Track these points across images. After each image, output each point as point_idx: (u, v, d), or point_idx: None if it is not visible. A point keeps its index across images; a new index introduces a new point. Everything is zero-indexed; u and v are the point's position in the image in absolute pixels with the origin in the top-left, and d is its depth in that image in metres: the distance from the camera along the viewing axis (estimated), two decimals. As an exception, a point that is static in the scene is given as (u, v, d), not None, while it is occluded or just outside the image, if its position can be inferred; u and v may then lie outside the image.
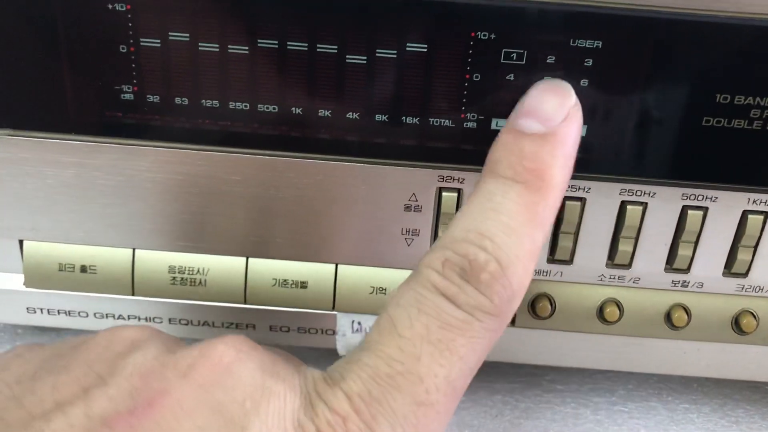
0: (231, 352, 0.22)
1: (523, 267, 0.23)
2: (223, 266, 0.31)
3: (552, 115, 0.24)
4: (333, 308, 0.32)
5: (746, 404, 0.35)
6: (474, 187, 0.24)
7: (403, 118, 0.28)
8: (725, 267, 0.30)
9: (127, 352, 0.23)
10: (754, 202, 0.29)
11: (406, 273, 0.30)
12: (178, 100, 0.28)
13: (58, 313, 0.32)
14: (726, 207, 0.29)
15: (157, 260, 0.31)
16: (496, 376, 0.36)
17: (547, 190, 0.23)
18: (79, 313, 0.32)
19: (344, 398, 0.21)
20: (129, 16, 0.26)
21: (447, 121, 0.28)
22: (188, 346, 0.23)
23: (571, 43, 0.26)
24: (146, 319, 0.32)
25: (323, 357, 0.36)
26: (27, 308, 0.33)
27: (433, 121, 0.28)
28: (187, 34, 0.27)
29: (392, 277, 0.31)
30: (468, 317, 0.22)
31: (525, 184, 0.23)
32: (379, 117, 0.28)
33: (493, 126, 0.28)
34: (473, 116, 0.28)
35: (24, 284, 0.32)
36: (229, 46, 0.27)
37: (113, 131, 0.28)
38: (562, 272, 0.31)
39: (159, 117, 0.28)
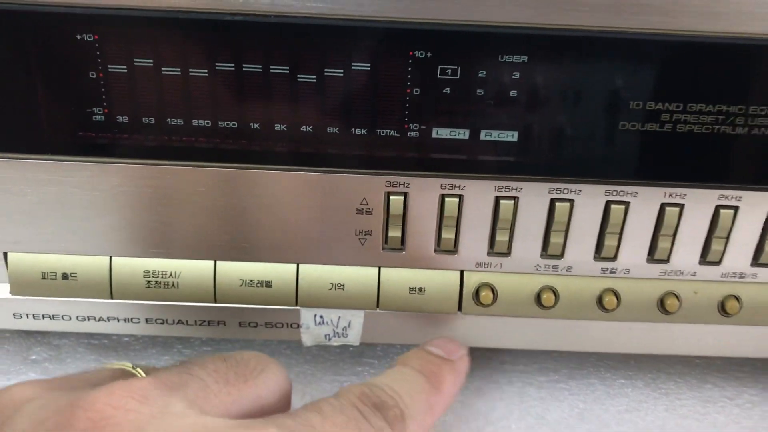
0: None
1: (417, 427, 0.27)
2: (194, 269, 0.34)
3: (451, 352, 0.32)
4: (296, 304, 0.35)
5: (677, 377, 0.39)
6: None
7: (353, 130, 0.31)
8: (648, 254, 0.34)
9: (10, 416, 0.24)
10: (670, 195, 0.32)
11: (362, 269, 0.34)
12: (145, 120, 0.30)
13: (43, 317, 0.35)
14: (645, 201, 0.32)
15: (132, 266, 0.34)
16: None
17: (440, 392, 0.30)
18: (62, 316, 0.35)
19: None
20: (97, 45, 0.29)
21: (392, 131, 0.31)
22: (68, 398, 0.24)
23: (500, 59, 0.30)
24: (125, 320, 0.35)
25: (290, 348, 0.39)
26: (13, 314, 0.35)
27: (379, 132, 0.31)
28: (151, 60, 0.30)
29: (349, 273, 0.34)
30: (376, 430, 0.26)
31: (427, 378, 0.30)
32: (330, 129, 0.31)
33: (434, 135, 0.31)
34: (416, 126, 0.31)
35: (10, 292, 0.34)
36: (190, 70, 0.30)
37: (87, 151, 0.31)
38: (501, 264, 0.34)
39: (128, 136, 0.31)
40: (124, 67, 0.29)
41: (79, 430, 0.22)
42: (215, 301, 0.34)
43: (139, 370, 0.27)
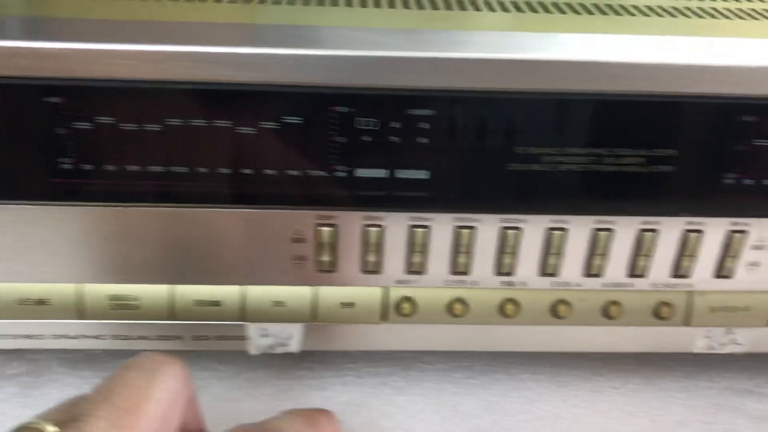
0: None
1: None
2: (153, 293, 0.39)
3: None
4: (243, 320, 0.40)
5: (576, 370, 0.45)
6: None
7: (287, 171, 0.36)
8: (540, 270, 0.40)
9: None
10: (555, 221, 0.38)
11: (299, 288, 0.40)
12: (107, 168, 0.35)
13: (22, 337, 0.40)
14: (534, 226, 0.38)
15: (99, 291, 0.39)
16: (379, 361, 0.45)
17: (318, 427, 0.33)
18: (37, 336, 0.40)
19: None
20: (63, 106, 0.34)
21: (321, 173, 0.37)
22: None
23: (409, 113, 0.35)
24: (94, 337, 0.40)
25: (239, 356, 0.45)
26: (-7, 335, 0.40)
27: (309, 174, 0.36)
28: (112, 119, 0.35)
29: (288, 292, 0.40)
30: None
31: (306, 420, 0.33)
32: (267, 172, 0.36)
33: (357, 174, 0.37)
34: (342, 168, 0.36)
35: (-10, 316, 0.39)
36: (145, 125, 0.35)
37: (56, 196, 0.36)
38: (418, 280, 0.40)
39: (92, 182, 0.36)
40: (88, 124, 0.35)
41: None
42: (172, 319, 0.40)
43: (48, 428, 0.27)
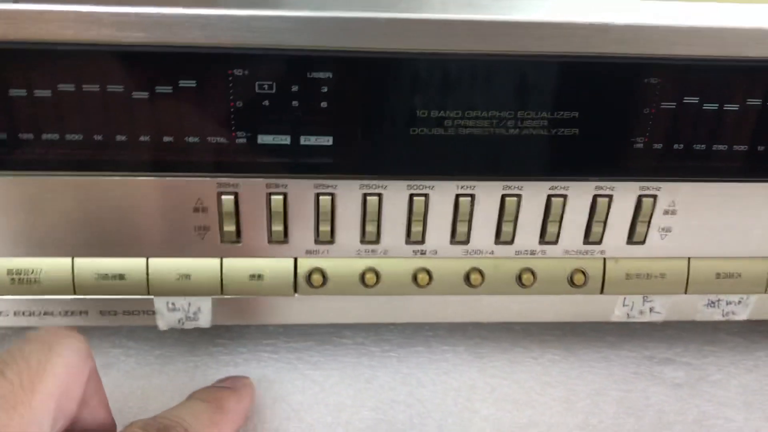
0: None
1: None
2: (54, 266, 0.38)
3: (235, 383, 0.37)
4: (149, 293, 0.39)
5: (496, 342, 0.45)
6: None
7: (186, 138, 0.36)
8: (451, 237, 0.39)
9: None
10: (461, 188, 0.38)
11: (205, 260, 0.39)
12: (20, 136, 0.34)
13: None
14: (442, 193, 0.38)
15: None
16: (296, 336, 0.44)
17: (222, 408, 0.34)
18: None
19: None
20: None
21: (222, 139, 0.36)
22: None
23: (308, 75, 0.35)
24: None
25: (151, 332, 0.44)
26: None
27: (210, 140, 0.36)
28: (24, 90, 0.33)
29: (193, 264, 0.39)
30: None
31: (209, 403, 0.34)
32: (166, 139, 0.35)
33: (259, 141, 0.36)
34: (242, 134, 0.36)
35: None
36: (59, 87, 0.34)
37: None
38: (328, 250, 0.39)
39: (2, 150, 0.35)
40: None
41: None
42: (75, 294, 0.39)
43: None
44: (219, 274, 0.39)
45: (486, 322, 0.43)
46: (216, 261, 0.39)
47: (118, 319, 0.40)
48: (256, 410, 0.39)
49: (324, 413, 0.39)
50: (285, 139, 0.36)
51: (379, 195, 0.38)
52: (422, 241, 0.39)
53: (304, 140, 0.36)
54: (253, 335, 0.44)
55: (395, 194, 0.38)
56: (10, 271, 0.38)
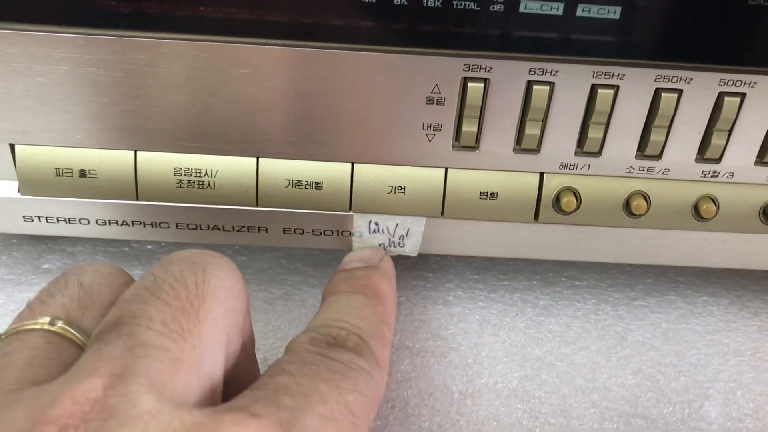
0: None
1: (380, 344, 0.25)
2: (233, 167, 0.29)
3: (370, 259, 0.30)
4: (350, 209, 0.30)
5: (764, 294, 0.35)
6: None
7: (424, 1, 0.26)
8: (757, 156, 0.29)
9: None
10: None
11: (427, 171, 0.30)
12: None
13: (57, 221, 0.30)
14: (764, 92, 0.28)
15: (161, 162, 0.29)
16: (513, 274, 0.35)
17: (380, 298, 0.28)
18: (80, 220, 0.30)
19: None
20: None
21: (472, 3, 0.26)
22: None
23: None
24: (152, 224, 0.31)
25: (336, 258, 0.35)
26: (23, 217, 0.31)
27: (456, 4, 0.26)
28: None
29: (412, 175, 0.29)
30: (346, 367, 0.22)
31: (363, 293, 0.28)
32: (397, 1, 0.26)
33: (521, 9, 0.26)
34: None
35: (19, 191, 0.30)
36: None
37: (109, 22, 0.26)
38: (589, 165, 0.30)
39: (158, 5, 0.26)
40: None
41: None
42: (257, 205, 0.30)
43: (69, 330, 0.21)
44: (442, 190, 0.30)
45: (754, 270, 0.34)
46: (441, 172, 0.29)
47: (305, 239, 0.31)
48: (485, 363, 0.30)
49: (573, 375, 0.30)
50: (557, 8, 0.26)
51: (679, 92, 0.27)
52: (719, 159, 0.29)
53: (582, 10, 0.26)
54: (458, 266, 0.35)
55: (700, 90, 0.28)
56: (177, 171, 0.29)
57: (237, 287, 0.22)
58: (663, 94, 0.27)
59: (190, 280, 0.21)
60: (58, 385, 0.18)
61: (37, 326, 0.21)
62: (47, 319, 0.21)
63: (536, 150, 0.29)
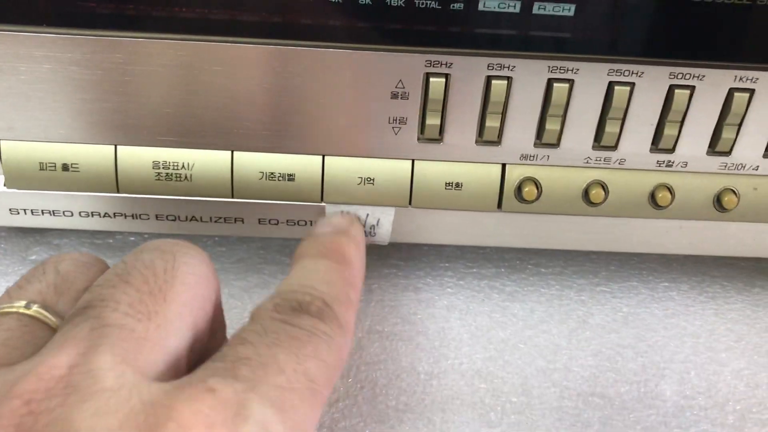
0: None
1: (344, 307, 0.25)
2: (209, 160, 0.30)
3: (339, 224, 0.30)
4: (321, 200, 0.32)
5: (723, 280, 0.36)
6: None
7: (388, 0, 0.27)
8: (709, 146, 0.31)
9: None
10: (741, 79, 0.29)
11: (395, 162, 0.31)
12: None
13: (42, 213, 0.32)
14: (712, 86, 0.29)
15: (140, 156, 0.30)
16: (482, 262, 0.36)
17: (347, 261, 0.27)
18: (63, 212, 0.32)
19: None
20: None
21: (433, 2, 0.27)
22: None
23: None
24: (132, 216, 0.32)
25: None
26: (9, 210, 0.32)
27: (418, 3, 0.27)
28: None
29: (380, 166, 0.31)
30: (308, 333, 0.22)
31: (330, 258, 0.27)
32: (362, 0, 0.27)
33: (480, 7, 0.28)
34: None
35: (4, 185, 0.31)
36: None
37: (89, 23, 0.27)
38: (548, 156, 0.31)
39: (134, 6, 0.27)
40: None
41: None
42: (232, 196, 0.31)
43: (43, 313, 0.22)
44: (410, 180, 0.31)
45: (718, 256, 0.35)
46: (407, 163, 0.31)
47: (280, 229, 0.33)
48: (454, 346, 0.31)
49: (535, 356, 0.31)
50: (514, 6, 0.28)
51: (631, 85, 0.29)
52: (672, 149, 0.31)
53: (537, 8, 0.28)
54: (428, 254, 0.36)
55: (650, 84, 0.29)
56: (156, 164, 0.30)
57: (206, 273, 0.23)
58: (616, 88, 0.29)
59: (159, 267, 0.22)
60: (26, 364, 0.19)
61: (13, 309, 0.22)
62: (23, 303, 0.22)
63: (497, 142, 0.30)
